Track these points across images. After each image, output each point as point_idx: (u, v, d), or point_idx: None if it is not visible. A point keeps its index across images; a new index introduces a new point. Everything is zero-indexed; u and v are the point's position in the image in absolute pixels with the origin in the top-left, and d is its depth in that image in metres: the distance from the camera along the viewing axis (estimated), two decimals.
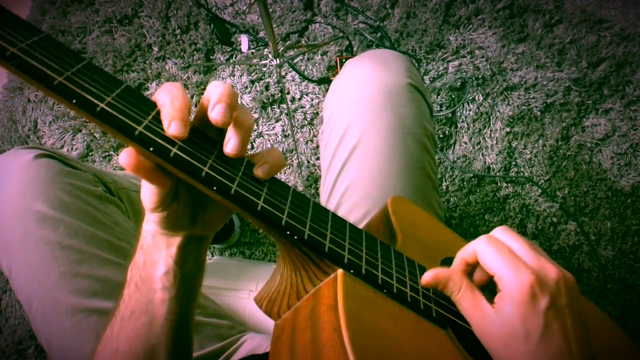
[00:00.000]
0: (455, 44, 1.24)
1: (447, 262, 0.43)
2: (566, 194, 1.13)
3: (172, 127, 0.29)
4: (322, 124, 0.66)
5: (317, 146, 1.12)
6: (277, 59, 0.89)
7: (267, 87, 1.16)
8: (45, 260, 0.51)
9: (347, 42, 1.22)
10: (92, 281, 0.52)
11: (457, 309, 0.37)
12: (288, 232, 0.33)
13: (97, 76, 0.28)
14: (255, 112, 1.13)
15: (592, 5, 1.33)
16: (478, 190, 1.12)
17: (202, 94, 1.16)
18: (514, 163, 1.15)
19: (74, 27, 1.20)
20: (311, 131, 1.13)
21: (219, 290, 0.77)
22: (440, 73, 1.21)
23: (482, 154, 1.15)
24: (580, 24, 1.29)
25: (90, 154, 1.10)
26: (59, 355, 0.51)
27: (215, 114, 0.30)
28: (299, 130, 1.13)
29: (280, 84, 1.13)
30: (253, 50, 1.20)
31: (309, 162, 1.11)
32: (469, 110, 1.18)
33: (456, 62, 1.22)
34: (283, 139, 1.12)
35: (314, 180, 1.10)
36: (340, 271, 0.34)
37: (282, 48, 1.19)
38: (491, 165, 1.14)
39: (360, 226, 0.42)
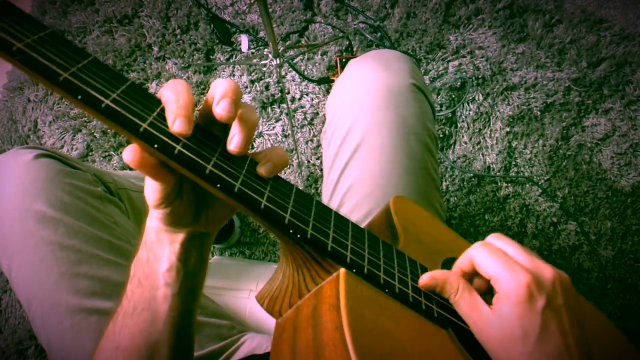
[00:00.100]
0: (455, 44, 1.24)
1: (449, 262, 0.43)
2: (566, 193, 1.13)
3: (177, 124, 0.29)
4: (325, 124, 0.66)
5: (317, 146, 1.12)
6: (277, 59, 0.89)
7: (267, 87, 1.16)
8: (45, 260, 0.51)
9: (347, 42, 1.22)
10: (92, 281, 0.52)
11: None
12: (291, 231, 0.33)
13: (102, 72, 0.28)
14: None
15: (592, 5, 1.33)
16: (478, 190, 1.12)
17: (203, 93, 1.17)
18: (514, 163, 1.15)
19: (74, 27, 1.20)
20: (311, 131, 1.13)
21: (219, 290, 0.77)
22: (440, 73, 1.21)
23: (482, 154, 1.15)
24: (580, 24, 1.29)
25: (90, 154, 1.10)
26: (59, 355, 0.51)
27: (220, 109, 0.30)
28: (299, 130, 1.13)
29: (280, 84, 1.13)
30: (253, 50, 1.20)
31: (309, 162, 1.11)
32: (469, 110, 1.18)
33: (456, 62, 1.22)
34: (283, 139, 1.12)
35: (314, 180, 1.10)
36: (342, 270, 0.34)
37: (282, 48, 1.19)
38: (491, 165, 1.14)
39: (362, 226, 0.42)
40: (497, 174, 1.13)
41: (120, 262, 0.55)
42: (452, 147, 1.16)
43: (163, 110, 0.30)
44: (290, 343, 0.33)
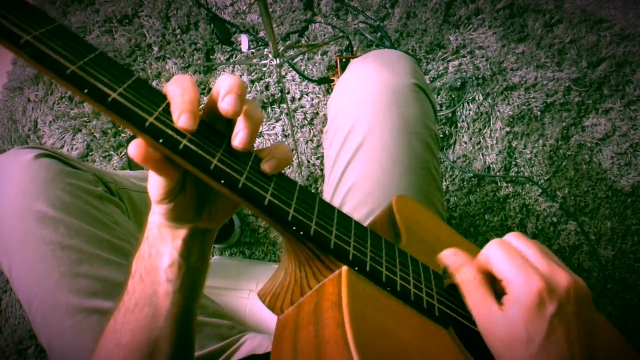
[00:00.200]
0: (455, 44, 1.24)
1: None
2: (566, 193, 1.13)
3: (182, 119, 0.29)
4: (326, 124, 0.67)
5: (317, 146, 1.12)
6: (277, 59, 0.89)
7: (267, 87, 1.16)
8: (45, 260, 0.51)
9: (347, 42, 1.22)
10: (93, 281, 0.52)
11: (463, 306, 0.36)
12: (294, 228, 0.33)
13: (108, 66, 0.28)
14: None
15: (592, 5, 1.33)
16: (478, 190, 1.12)
17: (203, 93, 1.16)
18: (514, 163, 1.15)
19: (74, 27, 1.20)
20: (311, 131, 1.13)
21: (219, 290, 0.77)
22: (440, 73, 1.21)
23: (482, 154, 1.15)
24: (580, 23, 1.29)
25: (90, 153, 1.10)
26: (59, 355, 0.51)
27: (226, 104, 0.30)
28: (299, 130, 1.13)
29: (280, 84, 1.13)
30: (253, 50, 1.20)
31: (309, 162, 1.11)
32: (469, 110, 1.18)
33: (456, 62, 1.22)
34: (283, 139, 1.12)
35: (314, 180, 1.10)
36: (344, 268, 0.34)
37: (282, 48, 1.19)
38: (491, 165, 1.14)
39: (364, 225, 0.42)
40: (497, 174, 1.13)
41: (121, 262, 0.55)
42: (452, 147, 1.16)
43: (168, 105, 0.30)
44: (291, 340, 0.33)
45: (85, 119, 1.12)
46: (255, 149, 0.35)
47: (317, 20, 1.24)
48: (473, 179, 1.13)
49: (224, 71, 1.18)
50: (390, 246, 0.40)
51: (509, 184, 1.13)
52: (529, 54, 1.25)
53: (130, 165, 1.06)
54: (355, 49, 1.22)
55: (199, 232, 0.38)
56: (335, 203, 0.61)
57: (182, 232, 0.37)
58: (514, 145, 1.16)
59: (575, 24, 1.29)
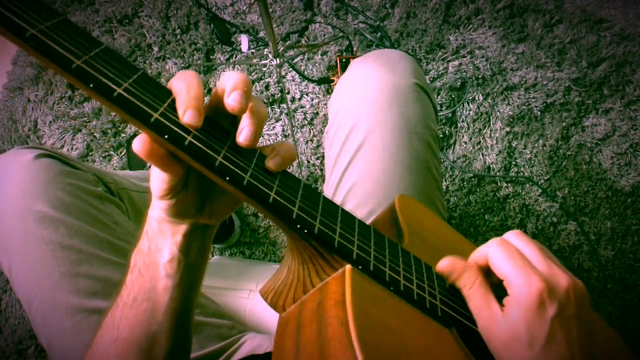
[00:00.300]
0: (455, 44, 1.24)
1: None
2: (566, 193, 1.13)
3: (187, 115, 0.29)
4: (327, 124, 0.67)
5: (317, 146, 1.12)
6: (277, 59, 0.89)
7: (267, 87, 1.16)
8: (45, 260, 0.51)
9: (347, 42, 1.22)
10: (93, 281, 0.52)
11: (465, 306, 0.37)
12: (298, 226, 0.33)
13: (114, 61, 0.28)
14: None
15: (592, 5, 1.33)
16: (478, 190, 1.12)
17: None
18: (514, 163, 1.15)
19: None
20: (311, 131, 1.13)
21: (219, 290, 0.77)
22: (440, 73, 1.21)
23: (482, 154, 1.15)
24: (580, 23, 1.29)
25: (90, 153, 1.10)
26: (59, 355, 0.51)
27: (232, 100, 0.30)
28: (299, 130, 1.13)
29: (280, 84, 1.13)
30: (253, 50, 1.20)
31: (309, 162, 1.11)
32: (469, 110, 1.18)
33: (456, 62, 1.22)
34: (283, 139, 1.12)
35: (314, 180, 1.10)
36: (348, 267, 0.34)
37: (282, 48, 1.19)
38: (491, 165, 1.14)
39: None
40: (497, 174, 1.13)
41: (121, 262, 0.55)
42: (452, 147, 1.16)
43: (174, 101, 0.30)
44: (293, 338, 0.33)
45: (85, 119, 1.12)
46: (259, 145, 0.34)
47: (317, 21, 1.24)
48: (473, 179, 1.13)
49: (224, 71, 1.18)
50: (394, 245, 0.40)
51: (509, 184, 1.13)
52: (529, 54, 1.25)
53: (130, 165, 1.06)
54: (355, 49, 1.22)
55: (200, 227, 0.38)
56: (336, 202, 0.61)
57: (182, 228, 0.37)
58: (514, 145, 1.16)
59: (575, 24, 1.29)
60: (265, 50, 0.94)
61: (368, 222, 0.53)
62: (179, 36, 1.20)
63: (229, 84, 0.31)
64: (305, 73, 1.18)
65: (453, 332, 0.37)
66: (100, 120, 1.11)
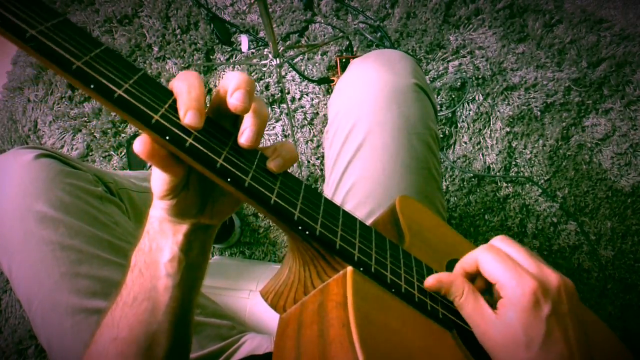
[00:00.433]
0: (455, 44, 1.24)
1: (453, 264, 0.43)
2: (566, 194, 1.13)
3: (188, 116, 0.29)
4: (327, 124, 0.67)
5: (317, 146, 1.12)
6: (277, 59, 0.89)
7: (267, 87, 1.16)
8: (45, 260, 0.51)
9: (347, 42, 1.22)
10: (93, 281, 0.52)
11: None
12: (300, 227, 0.33)
13: (114, 62, 0.28)
14: None
15: (592, 5, 1.33)
16: (478, 190, 1.12)
17: None
18: (514, 163, 1.15)
19: None
20: (311, 131, 1.13)
21: (219, 290, 0.77)
22: (440, 73, 1.21)
23: (482, 154, 1.15)
24: (580, 24, 1.29)
25: (90, 154, 1.10)
26: (59, 355, 0.51)
27: (235, 99, 0.30)
28: (299, 130, 1.13)
29: (280, 84, 1.13)
30: (253, 50, 1.20)
31: (309, 162, 1.11)
32: (469, 110, 1.18)
33: (456, 62, 1.22)
34: (283, 139, 1.12)
35: (313, 180, 1.10)
36: (349, 268, 0.34)
37: (282, 48, 1.19)
38: (491, 165, 1.14)
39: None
40: (497, 174, 1.13)
41: (121, 262, 0.54)
42: (452, 147, 1.16)
43: (174, 102, 0.30)
44: (294, 339, 0.33)
45: (85, 119, 1.12)
46: (260, 147, 0.34)
47: (317, 21, 1.24)
48: (473, 179, 1.13)
49: (224, 71, 1.18)
50: (395, 247, 0.40)
51: (509, 184, 1.13)
52: (529, 54, 1.25)
53: (131, 165, 1.06)
54: (355, 49, 1.22)
55: (201, 227, 0.38)
56: (336, 203, 0.61)
57: (183, 227, 0.37)
58: (514, 145, 1.16)
59: (575, 24, 1.29)
60: (265, 50, 0.94)
61: (368, 222, 0.53)
62: (179, 36, 1.20)
63: (232, 83, 0.31)
64: (305, 73, 1.18)
65: (454, 334, 0.37)
66: (100, 120, 1.11)
